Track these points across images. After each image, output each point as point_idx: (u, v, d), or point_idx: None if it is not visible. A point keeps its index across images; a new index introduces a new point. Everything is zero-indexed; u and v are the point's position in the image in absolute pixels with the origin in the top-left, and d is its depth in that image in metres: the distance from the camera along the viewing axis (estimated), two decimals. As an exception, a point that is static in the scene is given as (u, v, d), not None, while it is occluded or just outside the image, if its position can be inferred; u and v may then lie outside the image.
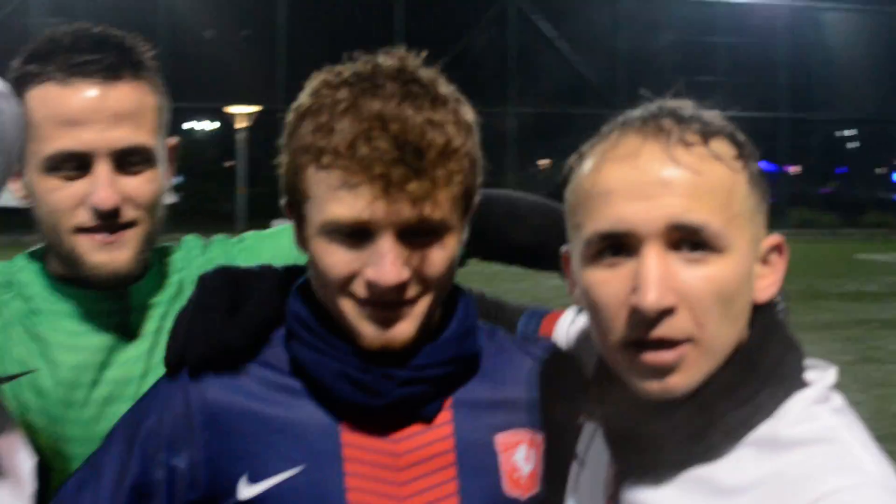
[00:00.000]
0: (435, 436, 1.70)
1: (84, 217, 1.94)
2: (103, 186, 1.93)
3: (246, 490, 1.67)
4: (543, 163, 34.38)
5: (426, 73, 1.61)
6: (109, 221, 1.94)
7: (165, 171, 2.07)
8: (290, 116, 1.63)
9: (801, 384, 1.50)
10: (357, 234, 1.56)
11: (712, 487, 1.45)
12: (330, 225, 1.57)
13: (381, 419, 1.68)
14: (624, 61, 29.62)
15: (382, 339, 1.61)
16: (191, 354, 1.72)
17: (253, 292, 1.79)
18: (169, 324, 1.84)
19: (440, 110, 1.56)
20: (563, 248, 1.67)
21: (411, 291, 1.60)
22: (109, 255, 1.97)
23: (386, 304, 1.59)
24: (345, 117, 1.54)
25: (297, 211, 1.64)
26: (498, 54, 27.47)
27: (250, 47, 26.92)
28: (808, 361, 1.55)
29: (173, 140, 2.14)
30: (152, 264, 2.12)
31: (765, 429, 1.46)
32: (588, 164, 1.54)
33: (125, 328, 2.05)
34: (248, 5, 27.68)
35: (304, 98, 1.61)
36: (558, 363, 1.83)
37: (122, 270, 1.99)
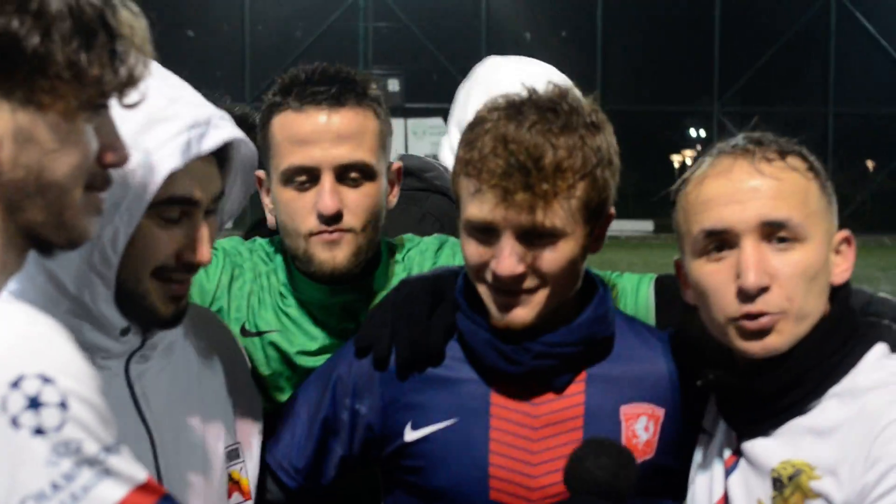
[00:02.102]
0: (568, 403, 2.03)
1: (313, 223, 2.25)
2: (327, 194, 2.24)
3: (410, 434, 2.05)
4: (869, 163, 32.91)
5: (570, 104, 1.91)
6: (332, 225, 2.25)
7: (386, 188, 2.38)
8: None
9: (872, 344, 1.89)
10: (486, 231, 1.91)
11: (810, 430, 1.86)
12: (468, 223, 1.93)
13: (524, 386, 2.02)
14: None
15: (504, 320, 1.96)
16: (399, 357, 2.07)
17: (446, 294, 2.13)
18: None
19: (563, 136, 1.87)
20: (676, 258, 2.03)
21: (528, 283, 1.93)
22: (331, 253, 2.27)
23: (507, 291, 1.93)
24: (485, 136, 1.88)
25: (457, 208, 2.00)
26: (818, 53, 26.53)
27: (568, 48, 27.28)
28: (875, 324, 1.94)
29: (398, 164, 2.46)
30: (385, 263, 2.43)
31: (845, 382, 1.87)
32: (692, 184, 1.94)
33: (353, 319, 2.37)
34: (566, 6, 27.95)
35: (476, 113, 1.97)
36: (685, 348, 2.13)
37: (341, 268, 2.28)
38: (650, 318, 2.27)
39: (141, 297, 1.82)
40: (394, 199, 2.46)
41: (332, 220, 2.25)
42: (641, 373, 2.09)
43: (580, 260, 1.99)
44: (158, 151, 1.72)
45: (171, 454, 1.91)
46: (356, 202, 2.29)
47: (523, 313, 1.96)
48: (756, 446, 1.92)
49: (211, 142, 1.80)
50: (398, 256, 2.48)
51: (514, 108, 1.91)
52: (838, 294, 1.94)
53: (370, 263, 2.39)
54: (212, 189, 1.86)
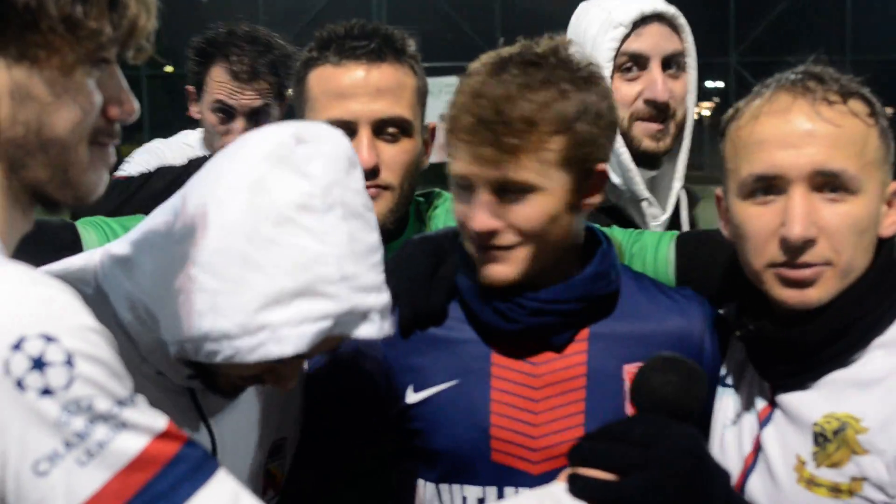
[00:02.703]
0: (570, 362, 2.01)
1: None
2: (364, 148, 2.21)
3: (411, 397, 2.05)
4: (888, 110, 32.48)
5: (560, 58, 1.90)
6: (369, 181, 2.11)
7: (421, 147, 2.37)
8: None
9: None
10: (465, 187, 1.92)
11: (854, 383, 1.79)
12: (452, 179, 1.95)
13: (525, 346, 2.01)
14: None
15: (485, 276, 1.96)
16: (401, 318, 2.04)
17: (448, 254, 2.12)
18: None
19: (540, 90, 1.84)
20: (717, 190, 1.98)
21: (504, 239, 1.91)
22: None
23: (486, 247, 1.93)
24: (462, 92, 1.91)
25: None
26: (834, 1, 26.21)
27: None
28: None
29: (434, 123, 2.46)
30: (412, 222, 2.43)
31: (890, 332, 1.82)
32: (745, 118, 1.86)
33: None
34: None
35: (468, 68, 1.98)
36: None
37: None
38: (669, 275, 2.25)
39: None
40: (427, 159, 2.45)
41: (369, 175, 2.19)
42: (646, 331, 2.05)
43: (565, 215, 1.94)
44: (280, 330, 1.55)
45: (229, 454, 1.85)
46: (393, 158, 2.28)
47: (503, 270, 1.95)
48: (794, 399, 1.85)
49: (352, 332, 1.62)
50: (428, 214, 2.49)
51: (498, 64, 1.91)
52: (884, 247, 1.86)
53: (401, 221, 2.38)
54: None
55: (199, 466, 1.31)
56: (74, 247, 2.23)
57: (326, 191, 1.57)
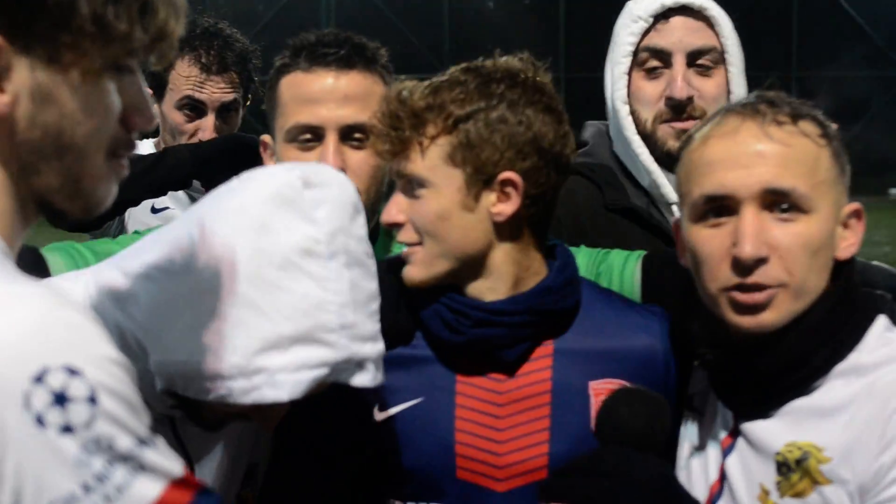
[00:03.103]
0: (534, 378, 1.99)
1: None
2: (330, 154, 2.24)
3: (378, 415, 2.02)
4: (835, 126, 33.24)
5: (478, 68, 1.97)
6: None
7: None
8: None
9: (873, 318, 1.80)
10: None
11: (815, 412, 1.78)
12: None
13: (489, 362, 1.99)
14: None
15: (402, 278, 2.00)
16: None
17: None
18: None
19: (440, 93, 1.93)
20: (673, 219, 1.96)
21: (407, 235, 1.98)
22: None
23: (405, 246, 2.00)
24: None
25: None
26: (780, 19, 26.60)
27: (530, 17, 27.18)
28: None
29: None
30: (382, 237, 2.40)
31: (850, 359, 1.77)
32: (696, 143, 1.85)
33: None
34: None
35: None
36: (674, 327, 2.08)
37: None
38: (635, 295, 2.24)
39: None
40: None
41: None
42: (613, 347, 2.04)
43: (459, 216, 1.95)
44: (277, 375, 1.55)
45: (206, 482, 1.81)
46: (359, 164, 2.29)
47: (411, 270, 2.00)
48: (756, 428, 1.84)
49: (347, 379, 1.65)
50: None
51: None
52: (844, 269, 1.85)
53: (372, 233, 2.37)
54: None
55: None
56: (38, 270, 2.15)
57: (331, 237, 1.58)
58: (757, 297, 1.77)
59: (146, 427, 1.24)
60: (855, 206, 1.85)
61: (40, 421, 1.14)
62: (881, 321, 1.84)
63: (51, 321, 1.18)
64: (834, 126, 1.87)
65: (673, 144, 2.47)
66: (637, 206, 2.58)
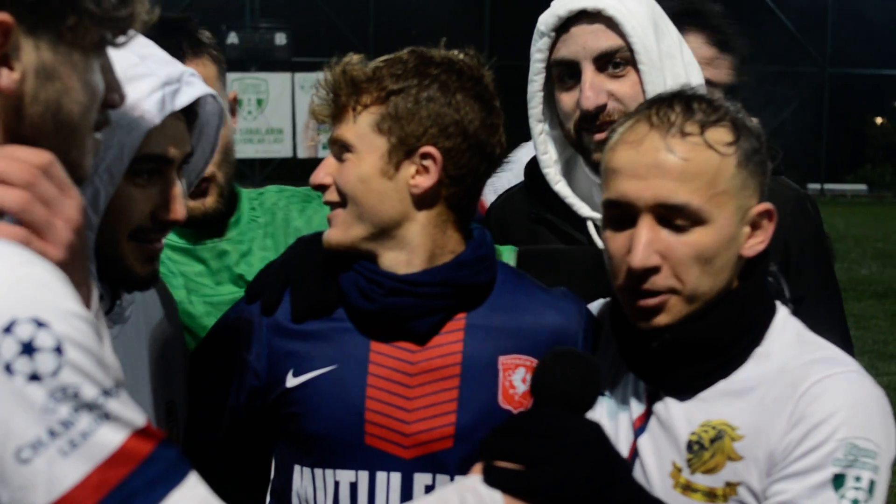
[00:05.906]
0: (445, 351, 2.06)
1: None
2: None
3: (291, 381, 2.07)
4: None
5: (421, 52, 2.06)
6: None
7: (231, 126, 2.51)
8: None
9: (774, 311, 1.91)
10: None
11: (727, 392, 1.87)
12: None
13: (404, 334, 2.04)
14: None
15: (323, 240, 2.08)
16: (296, 310, 2.09)
17: None
18: (252, 261, 2.43)
19: (382, 68, 2.03)
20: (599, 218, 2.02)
21: (328, 196, 2.06)
22: (199, 202, 2.48)
23: (328, 206, 2.07)
24: None
25: None
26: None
27: (456, 4, 27.19)
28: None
29: (233, 92, 2.65)
30: (241, 210, 2.61)
31: (760, 348, 1.89)
32: (611, 144, 1.91)
33: (220, 261, 2.58)
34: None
35: None
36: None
37: (209, 212, 2.52)
38: None
39: (118, 259, 1.80)
40: (235, 125, 2.63)
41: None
42: (524, 324, 2.10)
43: (377, 181, 2.02)
44: (135, 110, 1.70)
45: None
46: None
47: (330, 232, 2.07)
48: (669, 408, 1.90)
49: (184, 98, 1.80)
50: (253, 198, 2.67)
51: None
52: (757, 265, 1.93)
53: (229, 198, 2.57)
54: (183, 146, 1.86)
55: (173, 468, 1.31)
56: None
57: None
58: (649, 301, 1.85)
59: (111, 379, 1.29)
60: (765, 206, 1.90)
61: (8, 369, 1.20)
62: (782, 310, 1.95)
63: (20, 276, 1.25)
64: (755, 122, 1.91)
65: (598, 156, 2.36)
66: (552, 218, 2.59)
